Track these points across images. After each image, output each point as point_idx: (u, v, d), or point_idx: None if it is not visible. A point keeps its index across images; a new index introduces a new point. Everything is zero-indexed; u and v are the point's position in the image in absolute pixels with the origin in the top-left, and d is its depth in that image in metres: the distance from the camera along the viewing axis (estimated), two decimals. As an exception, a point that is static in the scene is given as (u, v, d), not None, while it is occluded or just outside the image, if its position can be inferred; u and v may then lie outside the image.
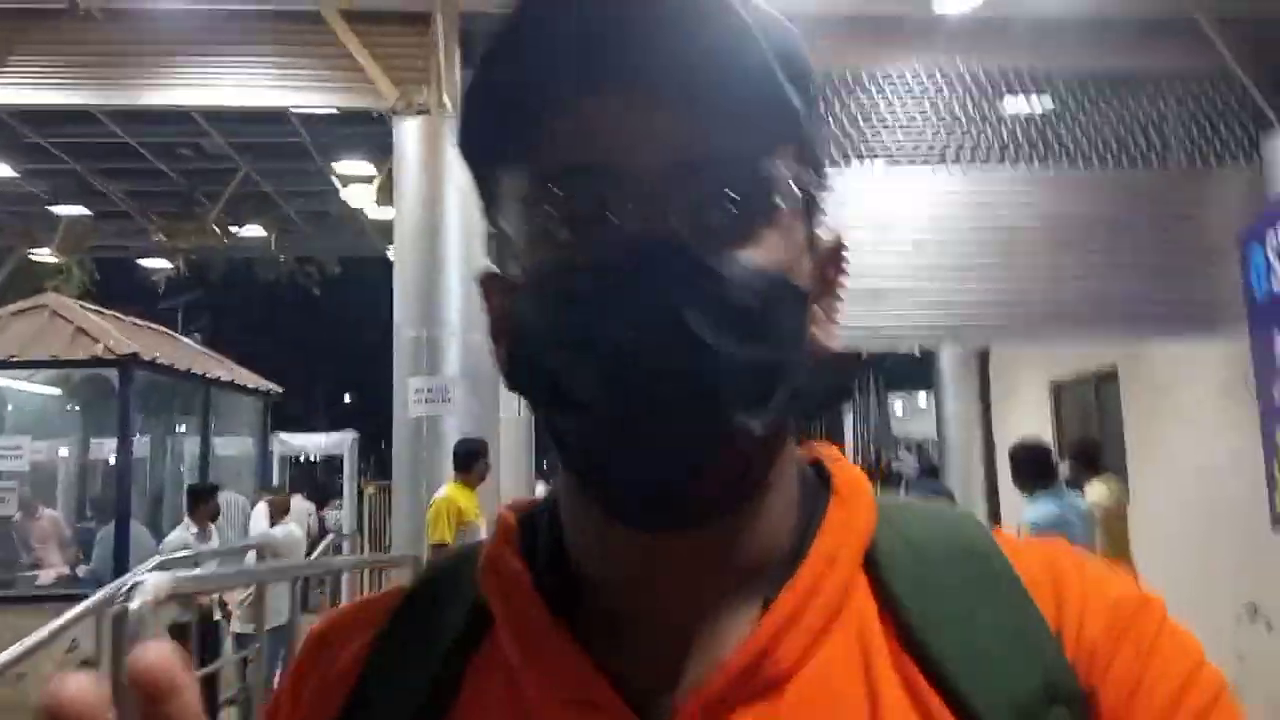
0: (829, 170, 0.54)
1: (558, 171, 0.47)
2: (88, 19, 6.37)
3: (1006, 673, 0.48)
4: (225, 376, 7.94)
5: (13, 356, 6.21)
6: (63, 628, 3.57)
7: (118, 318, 7.58)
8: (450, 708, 0.52)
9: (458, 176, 5.70)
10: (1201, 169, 6.66)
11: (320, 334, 24.39)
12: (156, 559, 5.43)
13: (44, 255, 12.05)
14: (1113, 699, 0.48)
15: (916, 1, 6.28)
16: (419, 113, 6.25)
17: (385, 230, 10.85)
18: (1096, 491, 5.50)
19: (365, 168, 9.23)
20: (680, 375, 0.44)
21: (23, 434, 7.02)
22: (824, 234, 0.54)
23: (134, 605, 1.92)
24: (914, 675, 0.48)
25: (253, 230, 11.35)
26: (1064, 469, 5.58)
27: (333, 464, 16.37)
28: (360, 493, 13.01)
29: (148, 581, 1.99)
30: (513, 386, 0.51)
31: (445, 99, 6.20)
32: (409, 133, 6.24)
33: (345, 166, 9.27)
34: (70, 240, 11.65)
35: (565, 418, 0.48)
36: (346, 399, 31.54)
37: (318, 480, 16.29)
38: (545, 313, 0.47)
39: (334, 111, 7.33)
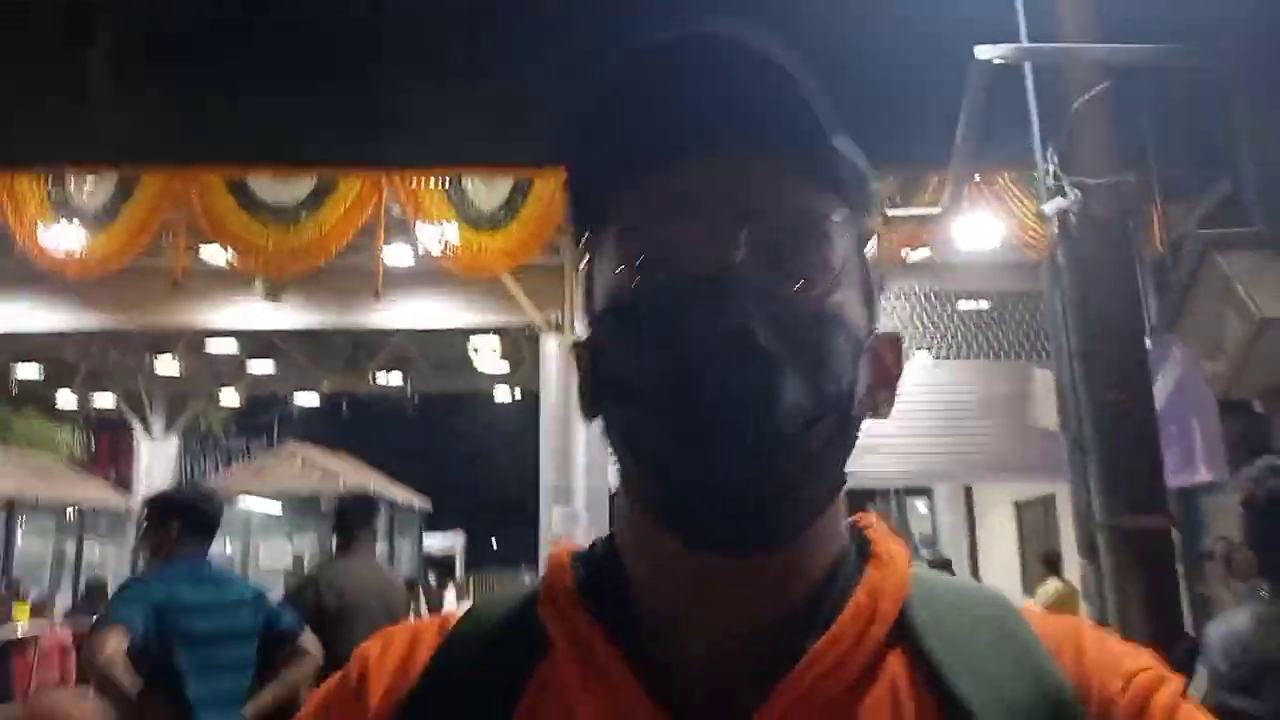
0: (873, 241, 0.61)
1: (648, 217, 0.56)
2: (334, 272, 9.58)
3: None
4: (402, 500, 11.03)
5: (284, 492, 9.36)
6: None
7: (336, 455, 10.73)
8: None
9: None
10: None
11: (408, 443, 27.30)
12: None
13: (228, 398, 15.38)
14: None
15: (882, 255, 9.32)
16: (556, 329, 9.36)
17: (494, 378, 14.07)
18: (1049, 588, 7.44)
19: (493, 341, 12.39)
20: (742, 382, 0.51)
21: (268, 541, 10.09)
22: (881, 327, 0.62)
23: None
24: None
25: (391, 377, 14.64)
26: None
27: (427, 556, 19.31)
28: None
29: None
30: (591, 408, 0.59)
31: (575, 320, 9.31)
32: (551, 344, 9.36)
33: (478, 340, 12.45)
34: (250, 386, 14.98)
35: (639, 425, 0.54)
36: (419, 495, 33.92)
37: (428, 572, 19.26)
38: (627, 330, 0.55)
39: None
